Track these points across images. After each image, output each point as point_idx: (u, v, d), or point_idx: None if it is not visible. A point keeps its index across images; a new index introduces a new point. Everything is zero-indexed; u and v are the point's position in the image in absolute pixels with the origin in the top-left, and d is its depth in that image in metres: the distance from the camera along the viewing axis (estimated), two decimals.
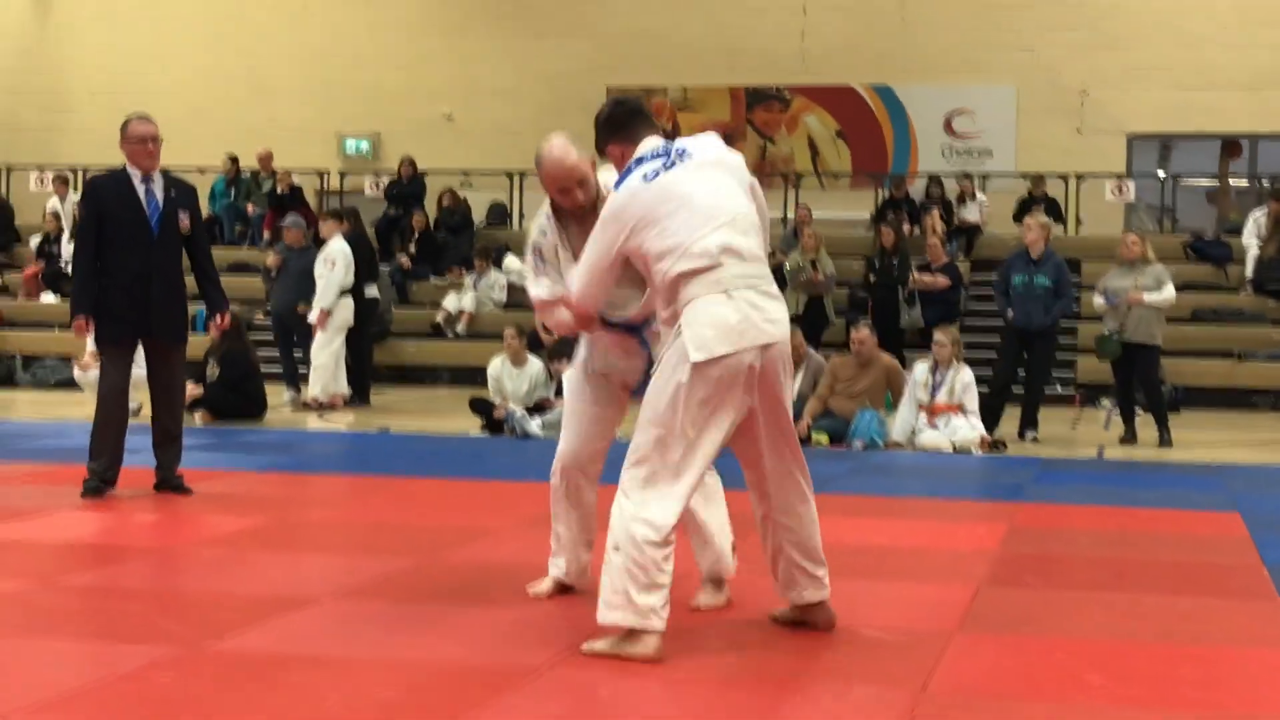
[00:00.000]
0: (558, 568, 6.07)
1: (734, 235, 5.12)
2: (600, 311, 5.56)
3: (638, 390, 5.63)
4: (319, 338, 15.15)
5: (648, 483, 5.05)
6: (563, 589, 6.04)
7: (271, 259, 15.76)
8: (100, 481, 8.60)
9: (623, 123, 5.52)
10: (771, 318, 5.13)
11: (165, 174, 8.80)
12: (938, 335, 12.90)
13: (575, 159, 5.61)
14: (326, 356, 15.14)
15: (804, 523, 5.42)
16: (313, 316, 15.06)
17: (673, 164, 5.21)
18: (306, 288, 15.17)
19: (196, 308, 12.92)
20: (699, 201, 5.14)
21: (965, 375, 12.71)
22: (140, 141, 8.61)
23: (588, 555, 6.06)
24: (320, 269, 15.07)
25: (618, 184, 5.28)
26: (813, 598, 5.49)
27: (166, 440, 8.79)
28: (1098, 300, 13.50)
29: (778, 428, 5.28)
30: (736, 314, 5.03)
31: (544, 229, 5.80)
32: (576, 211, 5.64)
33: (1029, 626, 5.83)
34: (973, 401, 12.69)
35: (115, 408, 8.69)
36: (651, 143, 5.38)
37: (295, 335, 15.60)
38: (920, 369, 12.78)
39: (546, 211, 5.80)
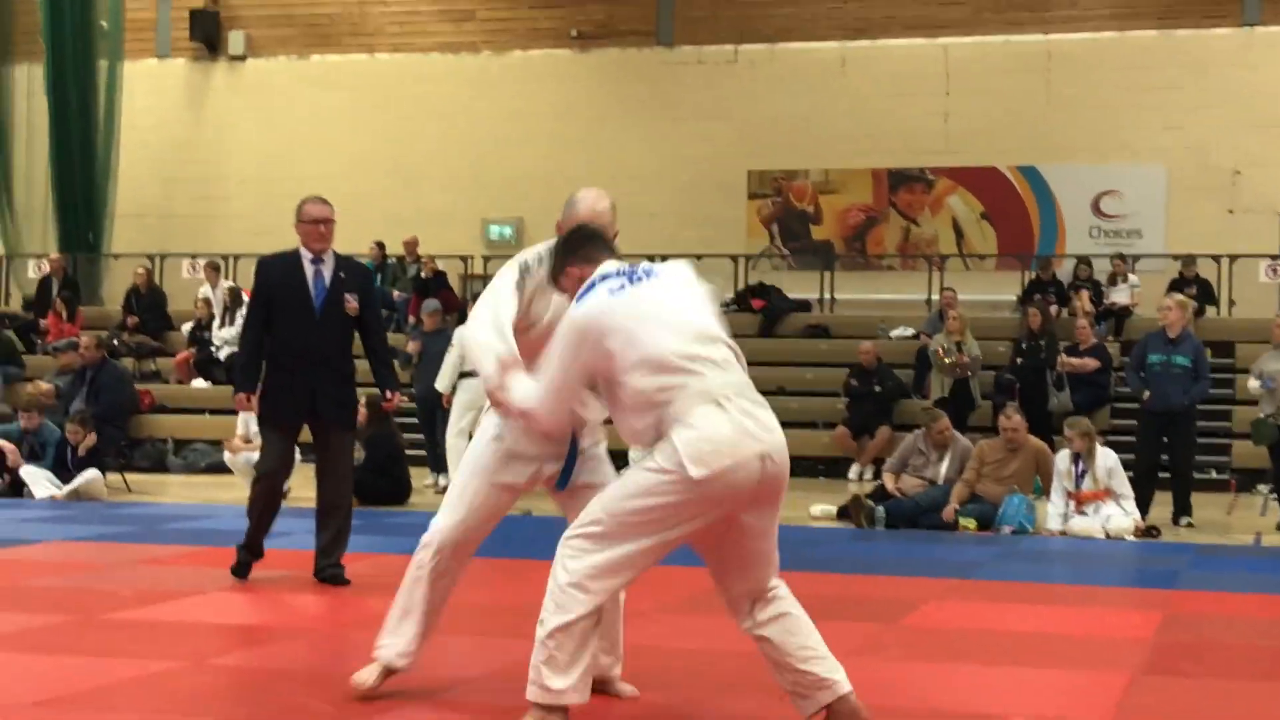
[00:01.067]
0: (394, 649, 5.74)
1: (709, 346, 5.00)
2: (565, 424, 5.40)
3: (560, 484, 5.61)
4: (450, 420, 15.33)
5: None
6: (390, 673, 5.71)
7: (411, 345, 15.95)
8: (249, 552, 8.69)
9: (579, 245, 5.31)
10: (768, 426, 4.99)
11: (339, 256, 8.80)
12: (1066, 430, 12.66)
13: (610, 210, 5.63)
14: (455, 437, 15.28)
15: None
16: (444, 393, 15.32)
17: (639, 279, 5.08)
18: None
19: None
20: (668, 315, 5.00)
21: (1108, 459, 12.46)
22: (313, 222, 8.63)
23: (422, 642, 5.78)
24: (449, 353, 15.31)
25: (578, 299, 5.09)
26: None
27: (328, 524, 8.71)
28: (1253, 384, 13.24)
29: (762, 539, 5.14)
30: (730, 424, 4.85)
31: (540, 260, 5.59)
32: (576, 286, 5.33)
33: (1187, 716, 5.68)
34: (1122, 485, 12.43)
35: (268, 489, 8.70)
36: (612, 264, 5.21)
37: (436, 419, 15.77)
38: (1063, 457, 12.55)
39: (541, 253, 5.61)
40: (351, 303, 8.70)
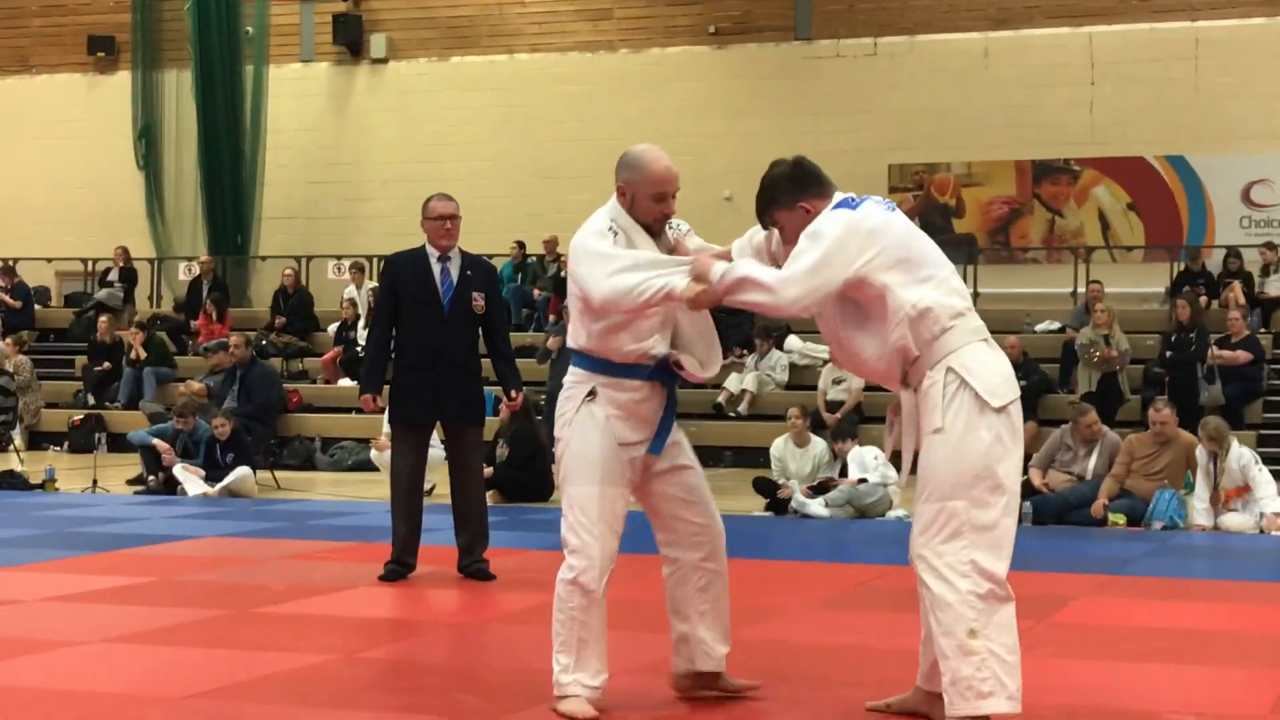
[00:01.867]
0: (598, 679, 5.39)
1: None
2: (615, 347, 5.30)
3: (655, 448, 5.43)
4: None
5: (981, 548, 4.75)
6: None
7: (552, 341, 16.02)
8: (398, 566, 8.65)
9: (812, 180, 5.13)
10: (1012, 373, 4.99)
11: (465, 254, 8.80)
12: (1199, 430, 12.29)
13: (676, 170, 5.43)
14: None
15: None
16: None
17: (894, 209, 5.02)
18: None
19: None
20: (932, 249, 4.99)
21: (1243, 457, 12.13)
22: (439, 219, 8.66)
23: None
24: None
25: (835, 208, 4.95)
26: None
27: (465, 523, 8.75)
28: None
29: None
30: (1006, 363, 4.93)
31: (613, 228, 5.49)
32: (659, 225, 5.39)
33: None
34: (1261, 481, 12.07)
35: (407, 489, 8.72)
36: (840, 195, 5.07)
37: None
38: (1200, 454, 12.24)
39: (618, 211, 5.49)
40: (479, 301, 8.70)
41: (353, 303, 21.64)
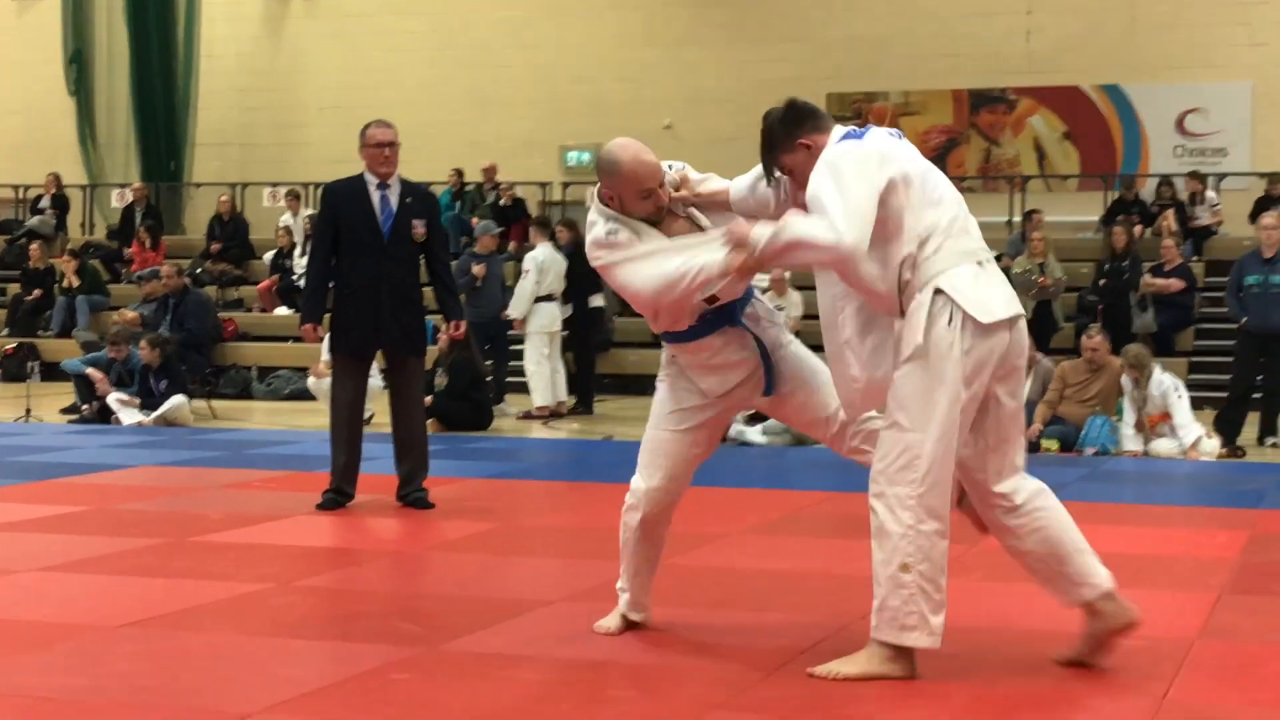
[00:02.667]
0: (635, 613, 5.53)
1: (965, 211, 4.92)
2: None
3: (768, 390, 5.29)
4: (527, 348, 15.38)
5: (925, 484, 4.72)
6: (630, 625, 5.52)
7: (477, 268, 15.92)
8: (337, 495, 8.64)
9: (807, 116, 4.99)
10: (1013, 295, 4.93)
11: (404, 181, 8.73)
12: (1122, 357, 12.43)
13: (654, 157, 5.24)
14: (534, 364, 15.32)
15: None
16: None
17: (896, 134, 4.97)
18: (500, 296, 15.42)
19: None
20: (942, 176, 4.95)
21: (1163, 382, 12.27)
22: (377, 146, 8.57)
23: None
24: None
25: (840, 140, 4.85)
26: (1091, 594, 5.00)
27: (406, 453, 8.73)
28: None
29: (1019, 413, 4.93)
30: (1000, 284, 4.86)
31: (614, 229, 5.25)
32: (656, 216, 5.24)
33: (1275, 635, 5.64)
34: (1180, 409, 12.22)
35: (348, 420, 8.69)
36: (842, 128, 4.97)
37: (498, 345, 15.81)
38: (1125, 381, 12.39)
39: (610, 213, 5.28)
40: (419, 228, 8.65)
41: (288, 231, 21.48)
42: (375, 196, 8.61)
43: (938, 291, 4.72)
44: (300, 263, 21.01)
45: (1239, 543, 7.73)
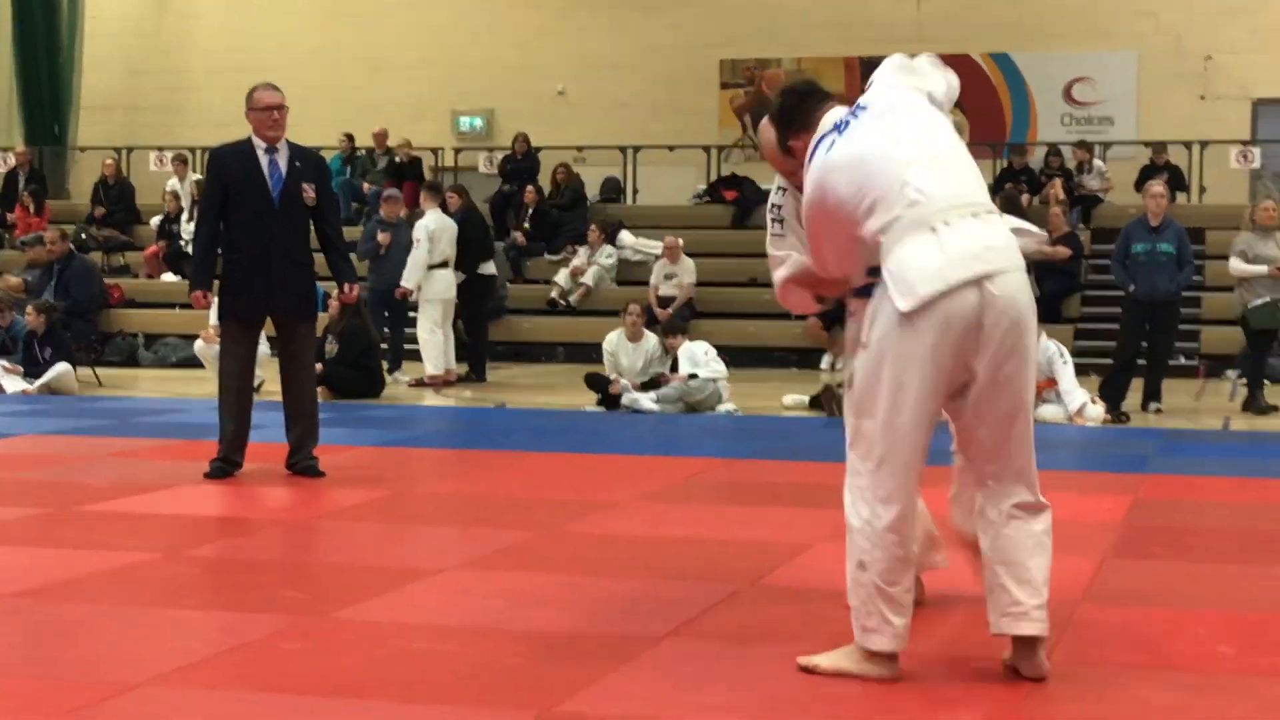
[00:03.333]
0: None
1: (934, 166, 4.52)
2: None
3: None
4: (420, 316, 15.28)
5: (877, 476, 4.48)
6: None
7: (383, 236, 15.82)
8: (225, 464, 8.55)
9: (795, 106, 4.88)
10: (992, 244, 4.43)
11: (292, 145, 8.63)
12: None
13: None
14: (427, 332, 15.23)
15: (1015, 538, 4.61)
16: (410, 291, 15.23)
17: (846, 125, 4.63)
18: (403, 263, 15.26)
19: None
20: (887, 149, 4.53)
21: (1048, 349, 12.43)
22: (265, 110, 8.47)
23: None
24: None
25: (815, 145, 4.68)
26: (1010, 629, 4.55)
27: (296, 420, 8.64)
28: (1238, 265, 13.17)
29: (1004, 393, 4.45)
30: (943, 249, 4.36)
31: (778, 201, 5.23)
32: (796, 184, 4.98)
33: (1157, 598, 5.75)
34: (1064, 375, 12.39)
35: (236, 387, 8.59)
36: (831, 116, 4.75)
37: (395, 313, 15.71)
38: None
39: (781, 183, 5.24)
40: (309, 192, 8.56)
41: (175, 195, 21.20)
42: (264, 161, 8.51)
43: (884, 273, 4.43)
44: (188, 228, 20.74)
45: (1123, 507, 7.86)
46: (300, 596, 5.62)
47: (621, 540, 6.87)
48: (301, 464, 8.60)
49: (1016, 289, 4.41)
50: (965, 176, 4.61)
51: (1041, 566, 4.59)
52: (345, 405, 12.93)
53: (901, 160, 4.50)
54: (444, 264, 15.28)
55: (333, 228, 8.90)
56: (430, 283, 15.22)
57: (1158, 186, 13.53)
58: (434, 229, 15.18)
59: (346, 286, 9.10)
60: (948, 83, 4.89)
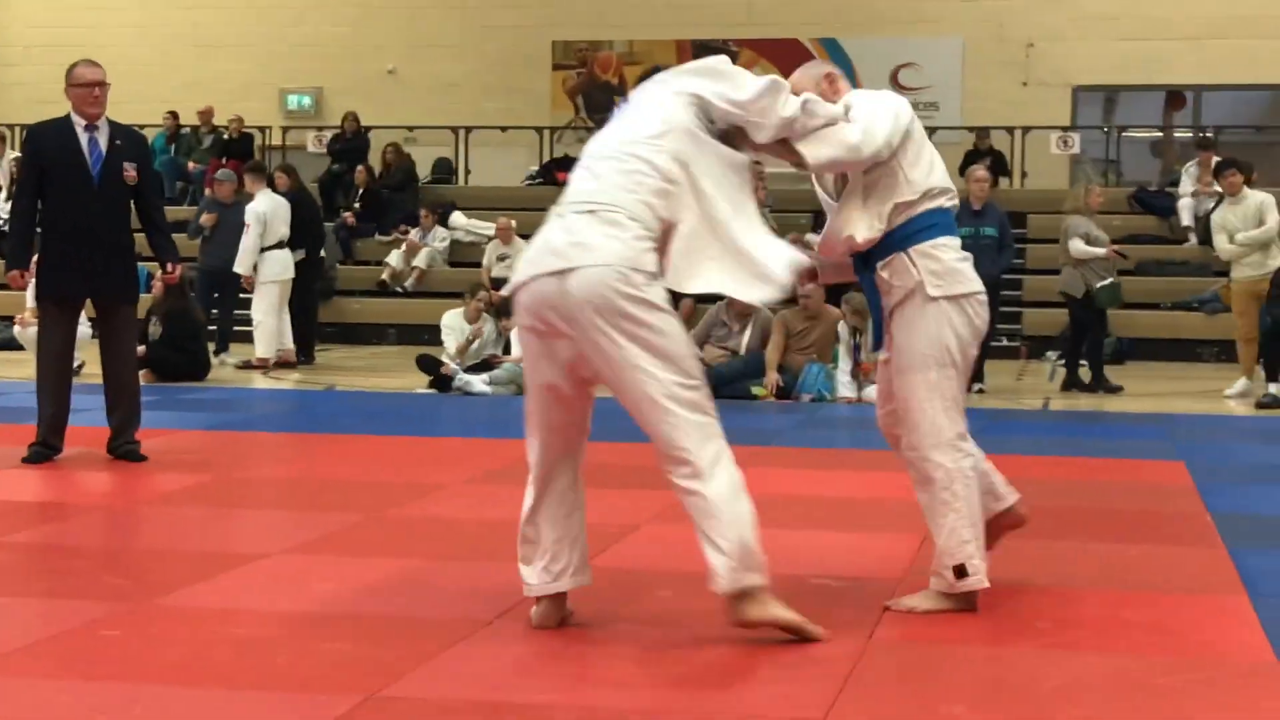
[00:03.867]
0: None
1: (597, 160, 4.76)
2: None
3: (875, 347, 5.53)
4: (257, 297, 15.03)
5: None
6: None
7: (206, 218, 15.54)
8: (44, 448, 8.36)
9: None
10: (576, 240, 4.58)
11: (112, 123, 8.47)
12: (843, 304, 12.77)
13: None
14: (263, 314, 15.00)
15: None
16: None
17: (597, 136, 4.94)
18: (234, 244, 14.97)
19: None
20: (591, 149, 4.85)
21: (840, 332, 12.63)
22: (86, 86, 8.31)
23: None
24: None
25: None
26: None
27: (118, 404, 8.48)
28: (1080, 247, 13.45)
29: (615, 376, 4.62)
30: (540, 242, 4.69)
31: None
32: None
33: None
34: (844, 359, 12.60)
35: (55, 370, 8.42)
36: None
37: (219, 293, 15.43)
38: (842, 329, 12.72)
39: None
40: (130, 171, 8.41)
41: None
42: (83, 139, 8.35)
43: None
44: (6, 207, 20.22)
45: None
46: (120, 583, 5.51)
47: (450, 523, 6.84)
48: (123, 448, 8.45)
49: (593, 282, 4.52)
50: (608, 176, 4.70)
51: (714, 529, 4.63)
52: (169, 388, 12.71)
53: (584, 154, 4.86)
54: (279, 245, 15.05)
55: (154, 207, 8.75)
56: (266, 265, 14.98)
57: (980, 171, 13.80)
58: (264, 212, 14.94)
59: (169, 266, 8.97)
60: (734, 91, 4.89)
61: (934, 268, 5.11)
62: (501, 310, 13.95)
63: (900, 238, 5.13)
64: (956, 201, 5.37)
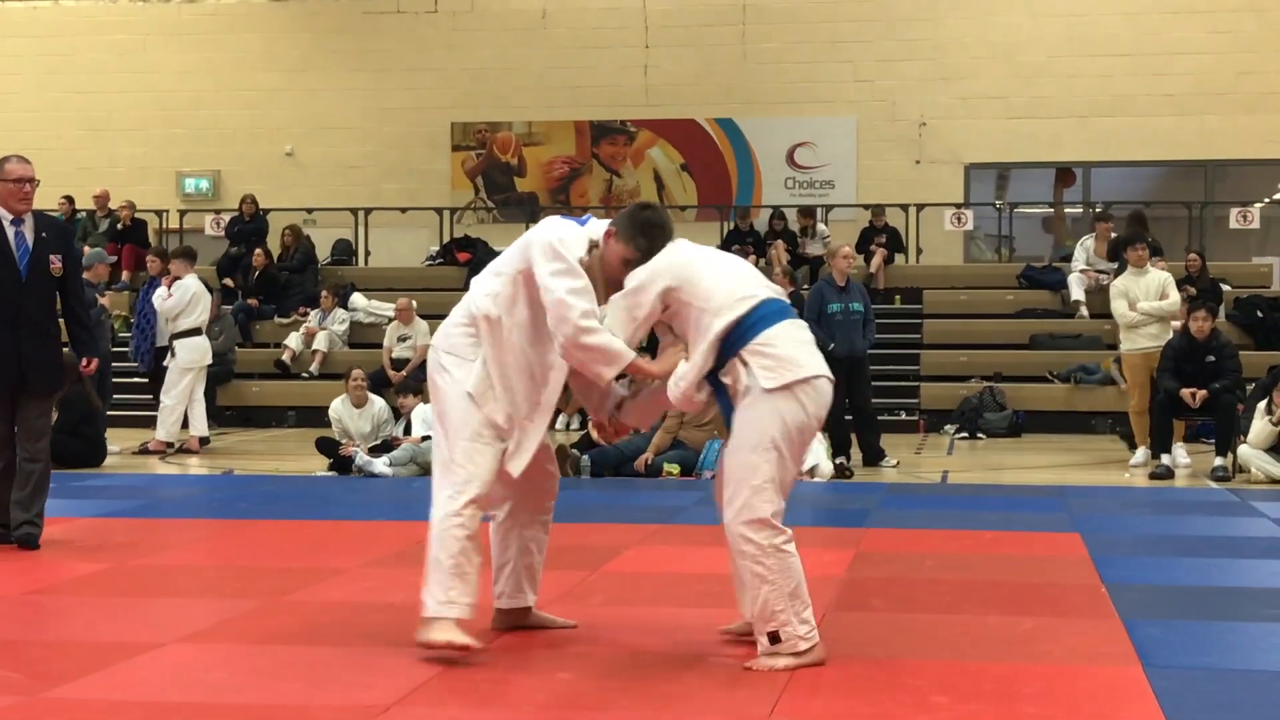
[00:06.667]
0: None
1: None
2: None
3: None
4: (169, 381, 14.88)
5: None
6: None
7: (104, 299, 15.37)
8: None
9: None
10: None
11: (37, 214, 8.56)
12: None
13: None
14: (173, 399, 14.84)
15: None
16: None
17: None
18: (108, 328, 14.82)
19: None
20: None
21: None
22: (16, 182, 8.37)
23: None
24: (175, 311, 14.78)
25: None
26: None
27: (25, 479, 8.41)
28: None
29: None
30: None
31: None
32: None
33: (876, 649, 5.90)
34: None
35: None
36: None
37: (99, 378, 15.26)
38: None
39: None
40: (56, 263, 8.50)
41: None
42: (10, 232, 8.39)
43: None
44: None
45: (845, 560, 8.06)
46: (12, 675, 5.42)
47: (349, 608, 6.79)
48: (23, 530, 8.37)
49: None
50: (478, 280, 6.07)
51: None
52: (65, 475, 12.51)
53: None
54: (196, 330, 14.94)
55: (77, 299, 8.82)
56: (184, 350, 14.85)
57: (845, 249, 13.98)
58: (196, 293, 14.87)
59: (84, 360, 8.97)
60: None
61: (765, 362, 5.48)
62: (401, 389, 13.91)
63: (729, 345, 5.51)
64: (778, 289, 5.75)
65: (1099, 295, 17.77)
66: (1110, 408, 16.98)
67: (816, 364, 5.55)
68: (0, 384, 8.40)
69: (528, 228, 18.04)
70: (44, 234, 8.49)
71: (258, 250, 20.55)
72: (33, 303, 8.40)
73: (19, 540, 8.32)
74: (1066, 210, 23.84)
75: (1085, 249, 19.35)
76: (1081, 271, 19.09)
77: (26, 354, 8.33)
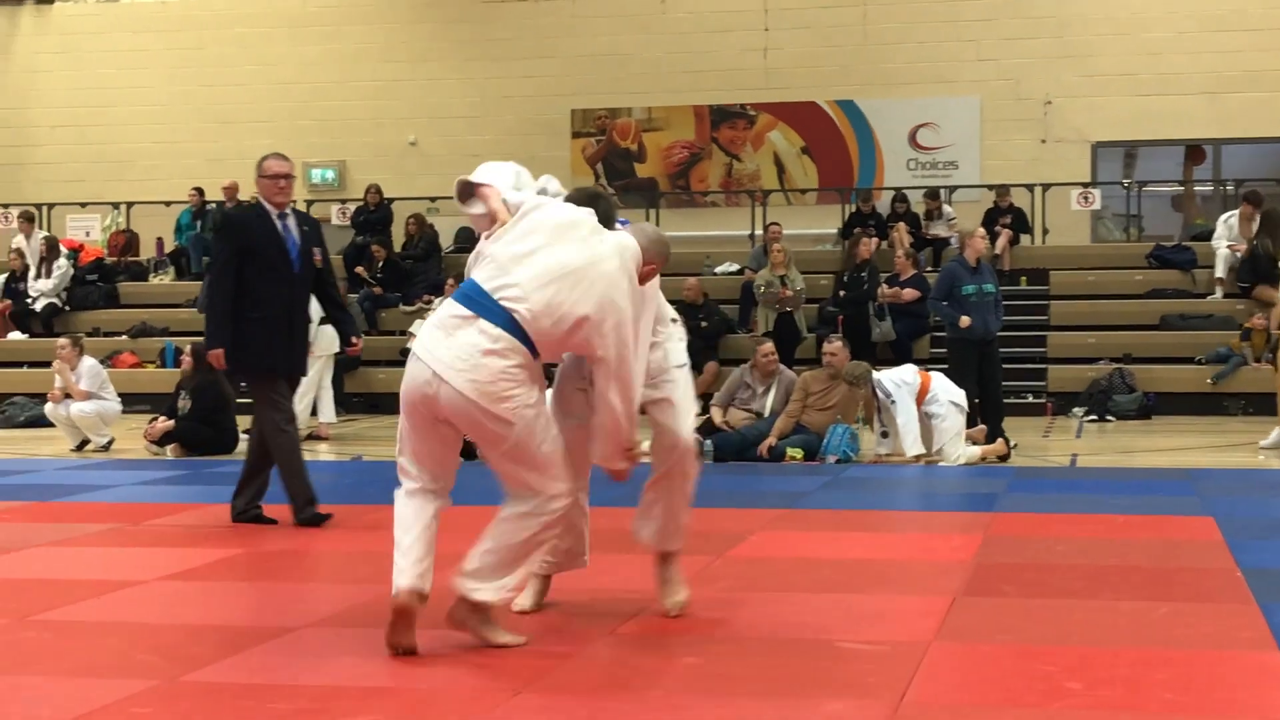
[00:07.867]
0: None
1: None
2: None
3: None
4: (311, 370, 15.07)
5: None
6: None
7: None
8: (310, 509, 8.87)
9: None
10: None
11: (295, 210, 9.01)
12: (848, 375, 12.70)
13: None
14: (302, 386, 15.00)
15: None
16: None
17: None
18: None
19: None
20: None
21: (883, 384, 12.55)
22: (274, 178, 8.81)
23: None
24: None
25: None
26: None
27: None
28: None
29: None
30: (418, 344, 5.84)
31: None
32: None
33: (1006, 635, 5.85)
34: (900, 412, 12.38)
35: (290, 442, 8.89)
36: None
37: None
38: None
39: None
40: (318, 255, 9.00)
41: (20, 253, 20.82)
42: (279, 226, 8.83)
43: None
44: (35, 286, 20.45)
45: (973, 545, 7.99)
46: (151, 660, 5.51)
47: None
48: (307, 516, 8.89)
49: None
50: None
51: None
52: (198, 462, 12.75)
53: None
54: (323, 320, 15.11)
55: (334, 286, 9.46)
56: (320, 339, 15.04)
57: (981, 230, 13.90)
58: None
59: (353, 339, 9.54)
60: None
61: None
62: None
63: None
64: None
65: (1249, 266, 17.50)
66: (1243, 389, 16.67)
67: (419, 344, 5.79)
68: (282, 371, 8.92)
69: (647, 213, 18.13)
70: (305, 228, 8.99)
71: (375, 244, 20.74)
72: (302, 293, 8.96)
73: (308, 522, 8.89)
74: (1196, 188, 23.41)
75: (1229, 225, 18.95)
76: (1229, 246, 18.70)
77: (296, 341, 8.94)
